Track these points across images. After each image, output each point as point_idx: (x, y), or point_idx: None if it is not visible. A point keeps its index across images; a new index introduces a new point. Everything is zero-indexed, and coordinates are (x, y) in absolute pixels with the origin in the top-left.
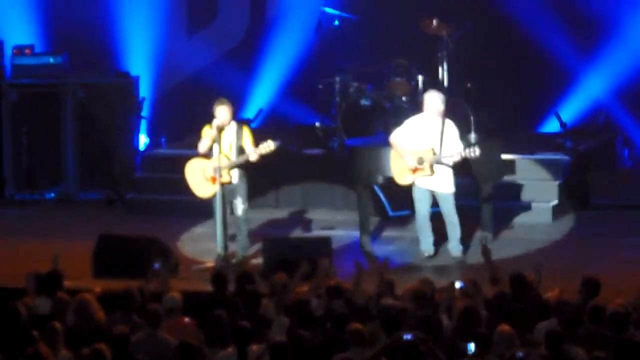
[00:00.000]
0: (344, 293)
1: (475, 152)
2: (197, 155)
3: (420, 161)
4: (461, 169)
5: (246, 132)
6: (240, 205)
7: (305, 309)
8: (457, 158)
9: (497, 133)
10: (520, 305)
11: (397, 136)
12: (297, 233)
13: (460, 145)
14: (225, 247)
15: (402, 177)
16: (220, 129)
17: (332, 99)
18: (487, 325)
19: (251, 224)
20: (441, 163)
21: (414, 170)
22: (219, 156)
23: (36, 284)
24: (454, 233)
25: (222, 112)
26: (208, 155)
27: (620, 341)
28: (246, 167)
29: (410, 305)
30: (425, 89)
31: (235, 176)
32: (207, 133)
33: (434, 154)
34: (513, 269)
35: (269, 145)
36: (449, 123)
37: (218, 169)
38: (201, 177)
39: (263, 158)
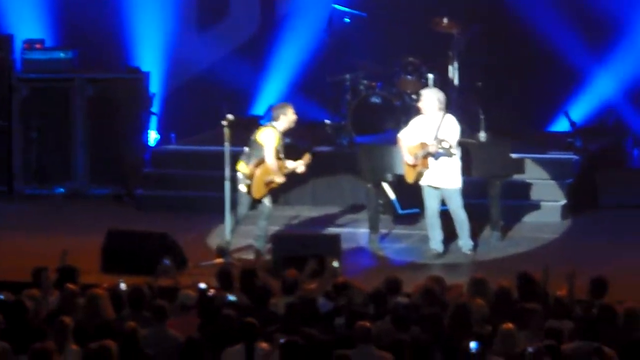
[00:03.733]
0: (350, 291)
1: (443, 144)
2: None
3: (416, 157)
4: (468, 166)
5: None
6: (268, 198)
7: (313, 307)
8: (431, 149)
9: (506, 132)
10: (526, 304)
11: (403, 135)
12: (306, 230)
13: (454, 138)
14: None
15: (408, 176)
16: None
17: (342, 97)
18: (491, 323)
19: None
20: (431, 155)
21: (414, 167)
22: (281, 162)
23: (48, 278)
24: (463, 230)
25: (293, 114)
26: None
27: (631, 341)
28: None
29: (420, 303)
30: (435, 87)
31: None
32: (278, 139)
33: (423, 148)
34: (521, 267)
35: (309, 157)
36: (449, 117)
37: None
38: (262, 182)
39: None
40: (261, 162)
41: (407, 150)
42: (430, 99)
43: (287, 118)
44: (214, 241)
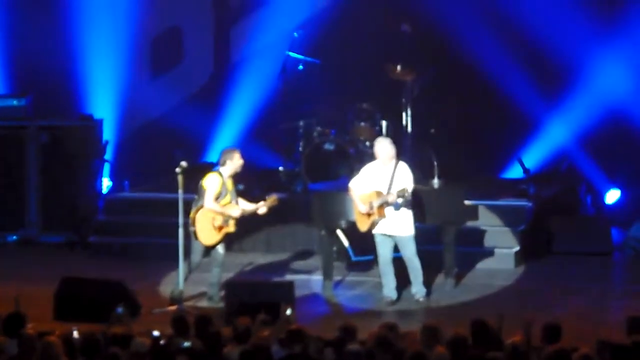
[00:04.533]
0: (305, 338)
1: (406, 196)
2: (200, 207)
3: (371, 206)
4: (422, 213)
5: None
6: (222, 245)
7: (267, 354)
8: (390, 199)
9: (460, 178)
10: (481, 351)
11: (354, 184)
12: (260, 277)
13: (409, 186)
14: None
15: (361, 224)
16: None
17: (296, 143)
18: None
19: None
20: (388, 204)
21: (368, 216)
22: (233, 206)
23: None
24: (416, 277)
25: (240, 159)
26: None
27: None
28: None
29: (373, 350)
30: (388, 135)
31: None
32: (220, 184)
33: (378, 196)
34: (474, 314)
35: (275, 200)
36: (402, 166)
37: (228, 219)
38: (210, 226)
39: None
40: (201, 207)
41: (360, 199)
42: (386, 146)
43: (234, 163)
44: (167, 289)
